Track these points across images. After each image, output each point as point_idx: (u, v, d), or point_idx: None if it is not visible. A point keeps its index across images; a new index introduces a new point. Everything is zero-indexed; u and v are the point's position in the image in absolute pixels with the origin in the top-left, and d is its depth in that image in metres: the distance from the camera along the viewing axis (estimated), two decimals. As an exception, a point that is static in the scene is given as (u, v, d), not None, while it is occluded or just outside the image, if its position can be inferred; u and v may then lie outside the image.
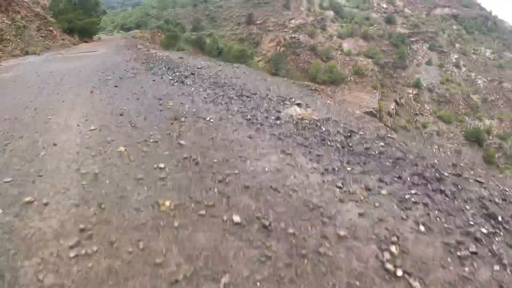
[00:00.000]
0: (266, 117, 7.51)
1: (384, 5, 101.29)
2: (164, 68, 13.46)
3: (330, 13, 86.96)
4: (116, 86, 10.22)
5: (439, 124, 70.42)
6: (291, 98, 9.54)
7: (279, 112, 7.98)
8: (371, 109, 62.28)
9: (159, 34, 46.43)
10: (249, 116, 7.45)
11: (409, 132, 65.28)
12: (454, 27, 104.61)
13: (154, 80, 10.99)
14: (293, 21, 77.49)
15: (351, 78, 70.34)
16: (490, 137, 74.72)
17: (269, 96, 9.55)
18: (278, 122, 7.27)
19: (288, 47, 70.11)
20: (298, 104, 8.82)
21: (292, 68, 67.67)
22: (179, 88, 9.79)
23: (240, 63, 54.21)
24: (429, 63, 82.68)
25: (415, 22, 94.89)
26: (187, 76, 11.61)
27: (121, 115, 7.43)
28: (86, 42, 34.51)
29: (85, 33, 36.12)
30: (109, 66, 14.72)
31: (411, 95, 72.45)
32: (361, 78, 70.76)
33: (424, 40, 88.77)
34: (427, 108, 72.52)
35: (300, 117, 7.69)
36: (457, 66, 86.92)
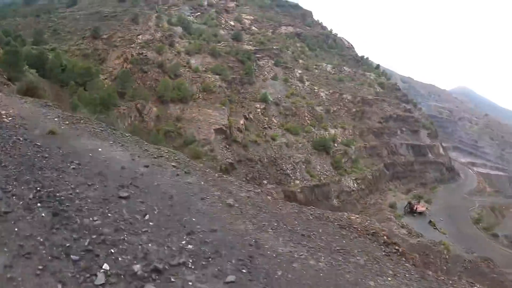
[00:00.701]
0: None
1: (232, 23, 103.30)
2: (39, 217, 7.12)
3: (179, 29, 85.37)
4: None
5: (288, 136, 72.80)
6: None
7: None
8: (221, 126, 61.79)
9: (-3, 49, 40.22)
10: None
11: (260, 146, 66.19)
12: (298, 44, 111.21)
13: None
14: (141, 36, 73.87)
15: (200, 95, 69.26)
16: (336, 145, 79.83)
17: None
18: None
19: (136, 64, 66.43)
20: None
21: (139, 86, 64.18)
22: None
23: (86, 81, 49.14)
24: (274, 78, 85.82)
25: (261, 39, 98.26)
26: None
27: None
28: None
29: None
30: None
31: (259, 110, 73.87)
32: (209, 94, 70.07)
33: (270, 56, 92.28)
34: (275, 121, 74.59)
35: None
36: (301, 80, 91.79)
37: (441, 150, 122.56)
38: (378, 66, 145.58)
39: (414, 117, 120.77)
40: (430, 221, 67.84)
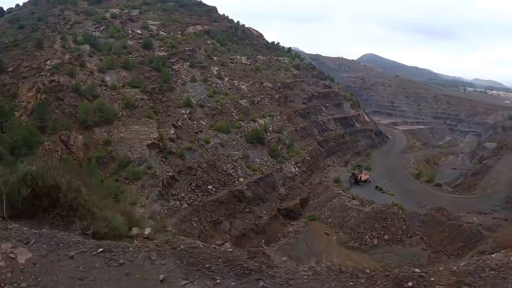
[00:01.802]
0: None
1: (139, 31, 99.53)
2: None
3: (86, 47, 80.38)
4: None
5: (220, 135, 71.92)
6: None
7: None
8: (153, 140, 59.63)
9: None
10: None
11: (196, 152, 64.68)
12: (209, 41, 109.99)
13: None
14: (49, 62, 68.37)
15: (123, 112, 66.20)
16: (268, 134, 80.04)
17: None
18: None
19: (50, 93, 61.37)
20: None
21: (59, 116, 59.63)
22: None
23: (2, 123, 43.55)
24: (193, 80, 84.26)
25: (172, 43, 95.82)
26: None
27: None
28: None
29: None
30: None
31: (185, 115, 72.11)
32: (132, 110, 67.25)
33: (184, 59, 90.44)
34: (204, 123, 73.33)
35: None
36: (219, 77, 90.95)
37: (366, 118, 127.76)
38: (289, 50, 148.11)
39: (334, 91, 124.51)
40: (377, 186, 70.43)
